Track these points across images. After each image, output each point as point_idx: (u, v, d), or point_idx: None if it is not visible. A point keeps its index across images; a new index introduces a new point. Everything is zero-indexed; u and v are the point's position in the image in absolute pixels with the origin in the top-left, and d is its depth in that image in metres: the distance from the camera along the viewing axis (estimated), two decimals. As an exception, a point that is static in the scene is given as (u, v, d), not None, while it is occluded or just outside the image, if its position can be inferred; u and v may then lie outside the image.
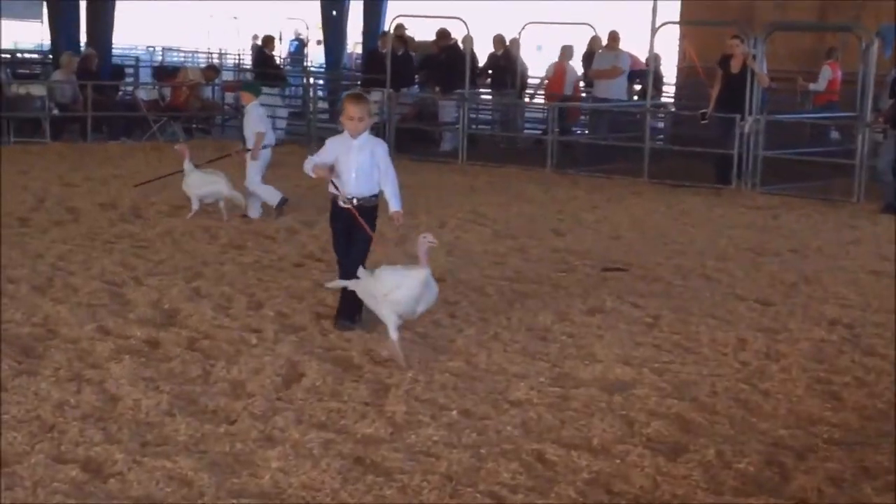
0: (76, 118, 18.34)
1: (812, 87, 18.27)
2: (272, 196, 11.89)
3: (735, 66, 15.45)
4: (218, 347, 6.94)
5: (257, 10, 34.12)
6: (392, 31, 19.75)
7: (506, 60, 21.13)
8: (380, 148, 7.63)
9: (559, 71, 19.87)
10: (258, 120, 11.97)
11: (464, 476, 5.12)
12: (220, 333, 7.24)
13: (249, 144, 11.92)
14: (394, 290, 6.90)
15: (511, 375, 6.68)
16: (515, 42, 20.88)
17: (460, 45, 19.62)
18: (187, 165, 11.56)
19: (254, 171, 11.85)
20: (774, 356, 7.24)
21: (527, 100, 21.75)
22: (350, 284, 7.35)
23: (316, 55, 31.91)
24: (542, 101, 20.79)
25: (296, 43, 32.01)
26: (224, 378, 6.35)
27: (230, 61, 31.95)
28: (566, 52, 19.89)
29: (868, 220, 13.22)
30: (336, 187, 7.53)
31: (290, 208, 12.32)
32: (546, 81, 20.54)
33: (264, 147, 11.87)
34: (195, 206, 11.52)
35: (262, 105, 19.65)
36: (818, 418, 6.11)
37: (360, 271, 7.26)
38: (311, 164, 7.53)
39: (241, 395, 6.11)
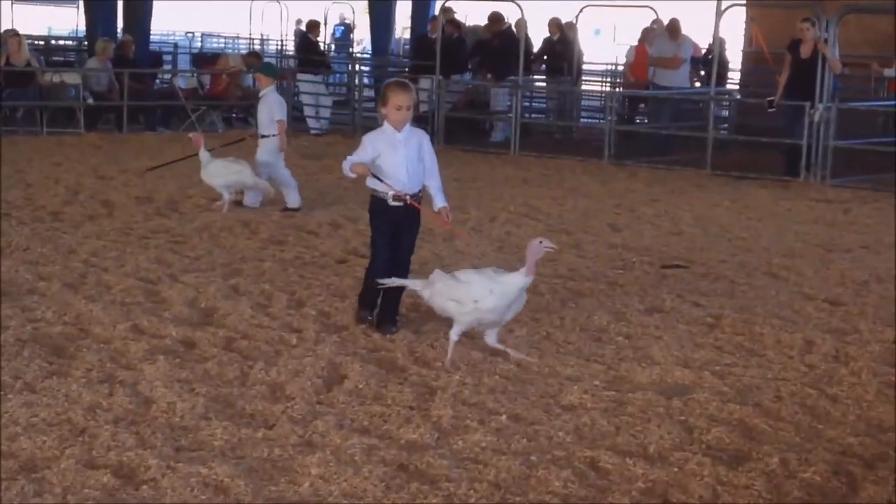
0: (112, 107, 18.53)
1: (886, 73, 18.06)
2: (270, 191, 11.94)
3: (805, 51, 15.31)
4: (256, 348, 6.99)
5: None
6: (442, 15, 19.75)
7: (562, 45, 21.09)
8: (425, 140, 7.58)
9: (641, 55, 19.64)
10: (279, 106, 11.99)
11: (513, 484, 5.12)
12: (259, 333, 7.29)
13: (264, 131, 11.92)
14: (486, 296, 6.75)
15: (564, 378, 6.67)
16: (572, 25, 20.81)
17: (514, 29, 19.60)
18: (203, 155, 11.64)
19: (275, 158, 11.89)
20: (843, 359, 7.17)
21: (603, 88, 21.63)
22: (413, 284, 7.27)
23: (364, 40, 32.01)
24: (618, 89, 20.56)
25: (341, 28, 32.12)
26: (262, 380, 6.39)
27: (272, 47, 32.08)
28: (647, 34, 19.60)
29: (950, 212, 13.06)
30: (383, 184, 7.39)
31: (333, 201, 12.38)
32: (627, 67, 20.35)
33: (275, 135, 11.89)
34: (226, 195, 11.61)
35: (307, 94, 20.08)
36: (889, 425, 6.05)
37: (436, 273, 7.09)
38: (349, 164, 7.33)
39: (280, 398, 6.14)
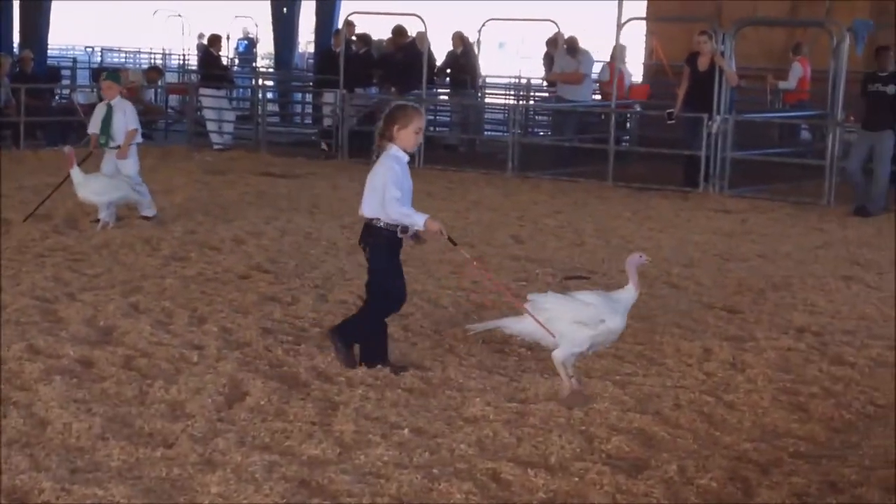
0: (8, 123, 18.18)
1: (782, 85, 18.45)
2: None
3: (703, 64, 15.57)
4: (156, 366, 6.90)
5: (203, 8, 34.07)
6: (345, 29, 19.74)
7: (465, 59, 21.18)
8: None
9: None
10: (133, 116, 11.86)
11: (415, 498, 5.12)
12: (159, 351, 7.20)
13: (121, 140, 11.70)
14: (613, 315, 6.48)
15: (467, 391, 6.68)
16: (461, 37, 20.90)
17: (417, 43, 19.65)
18: (77, 173, 11.24)
19: (133, 168, 11.78)
20: (740, 366, 7.30)
21: (507, 101, 21.69)
22: (504, 323, 6.88)
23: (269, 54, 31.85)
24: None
25: (245, 42, 31.94)
26: (162, 399, 6.31)
27: (174, 62, 31.80)
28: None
29: (838, 223, 13.37)
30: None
31: (235, 216, 12.29)
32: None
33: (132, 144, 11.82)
34: (108, 215, 11.38)
35: (211, 109, 19.92)
36: (784, 431, 6.17)
37: (548, 297, 6.76)
38: (408, 211, 6.80)
39: (179, 416, 6.07)
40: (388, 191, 6.76)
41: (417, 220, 6.80)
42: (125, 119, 11.72)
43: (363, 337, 7.05)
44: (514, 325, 6.86)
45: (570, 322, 6.53)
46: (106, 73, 12.96)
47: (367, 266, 7.08)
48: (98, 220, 11.45)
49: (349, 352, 7.03)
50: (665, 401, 6.55)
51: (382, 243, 6.94)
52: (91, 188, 11.33)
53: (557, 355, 6.58)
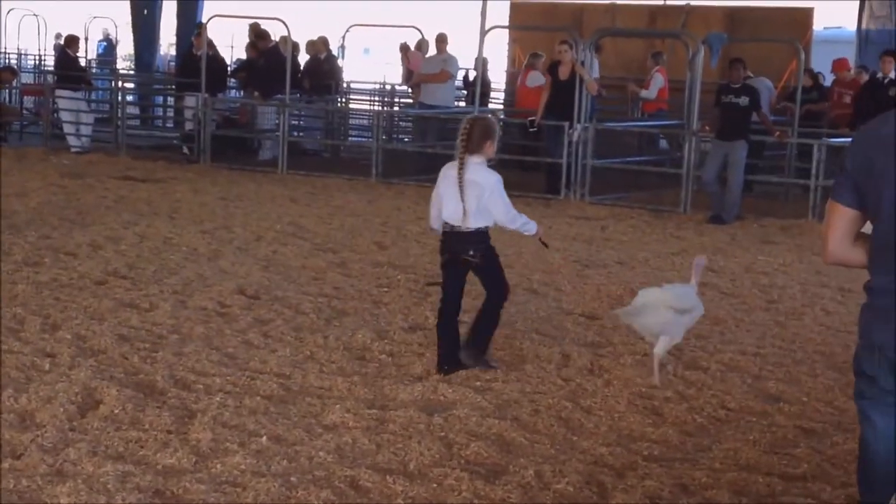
0: None
1: (643, 94, 18.79)
2: None
3: (564, 73, 15.77)
4: (6, 375, 6.70)
5: (60, 8, 33.25)
6: (206, 31, 19.48)
7: (328, 64, 21.12)
8: None
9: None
10: None
11: (272, 506, 5.08)
12: (9, 359, 6.99)
13: None
14: (699, 304, 7.25)
15: (326, 398, 6.66)
16: (323, 42, 20.87)
17: (280, 47, 19.50)
18: None
19: None
20: (598, 371, 7.41)
21: (371, 106, 21.66)
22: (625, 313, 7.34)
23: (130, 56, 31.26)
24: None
25: (104, 44, 31.31)
26: (11, 408, 6.13)
27: (30, 62, 31.02)
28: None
29: (694, 230, 13.67)
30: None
31: (93, 221, 12.04)
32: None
33: None
34: None
35: (68, 111, 19.46)
36: (639, 435, 6.27)
37: (662, 289, 7.38)
38: (526, 220, 7.45)
39: (29, 426, 5.91)
40: (505, 202, 7.25)
41: (532, 227, 7.40)
42: None
43: (490, 333, 7.47)
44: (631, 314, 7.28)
45: (673, 312, 7.09)
46: None
47: (481, 271, 7.47)
48: None
49: (484, 356, 7.40)
50: (524, 406, 6.61)
51: (490, 245, 7.38)
52: None
53: (660, 350, 7.12)
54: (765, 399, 7.00)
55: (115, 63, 30.57)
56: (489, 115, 7.75)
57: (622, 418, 6.52)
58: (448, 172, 7.29)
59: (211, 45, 19.94)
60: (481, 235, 7.28)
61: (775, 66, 19.10)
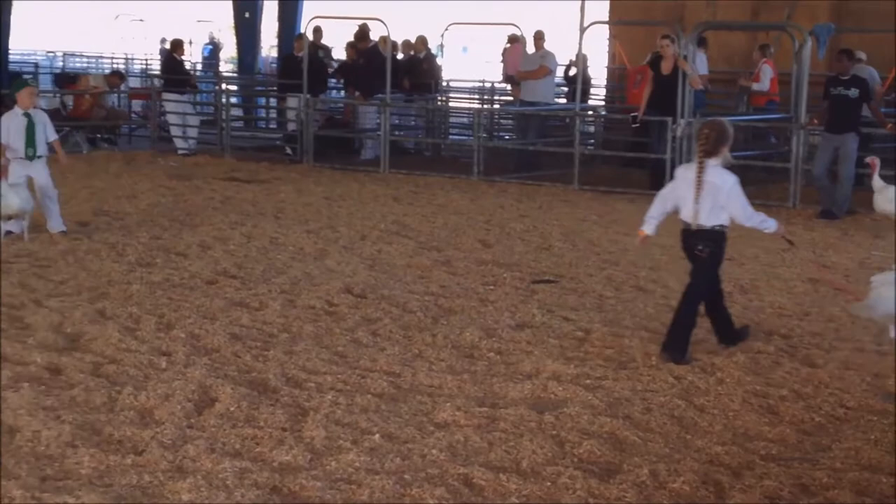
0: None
1: (756, 87, 18.46)
2: None
3: (666, 68, 15.63)
4: (125, 373, 6.85)
5: (165, 13, 33.89)
6: (306, 33, 19.67)
7: (428, 63, 21.19)
8: None
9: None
10: (51, 125, 11.55)
11: (387, 504, 5.11)
12: (127, 357, 7.14)
13: (42, 151, 11.22)
14: None
15: (437, 396, 6.68)
16: (423, 42, 20.92)
17: (380, 47, 19.62)
18: (6, 185, 10.75)
19: (49, 178, 11.28)
20: (710, 369, 7.31)
21: (471, 104, 21.70)
22: None
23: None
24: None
25: (209, 47, 31.80)
26: (131, 405, 6.26)
27: (137, 66, 31.62)
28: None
29: (804, 225, 13.44)
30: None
31: (201, 222, 12.22)
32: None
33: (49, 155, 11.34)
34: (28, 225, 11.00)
35: (174, 114, 19.80)
36: (755, 434, 6.19)
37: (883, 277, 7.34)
38: (762, 214, 7.76)
39: (149, 423, 6.03)
40: (742, 202, 7.59)
41: (771, 224, 7.75)
42: (45, 129, 11.33)
43: (687, 328, 7.64)
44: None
45: None
46: (22, 81, 12.49)
47: (699, 263, 7.74)
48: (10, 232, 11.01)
49: (686, 352, 7.53)
50: (635, 404, 6.56)
51: (723, 245, 7.74)
52: (23, 197, 10.87)
53: None
54: (885, 397, 6.85)
55: (219, 66, 31.01)
56: (724, 120, 7.94)
57: (737, 417, 6.44)
58: (685, 174, 7.70)
59: (322, 46, 20.16)
60: (714, 234, 7.62)
61: (884, 58, 18.68)
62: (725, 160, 7.57)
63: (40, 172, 11.22)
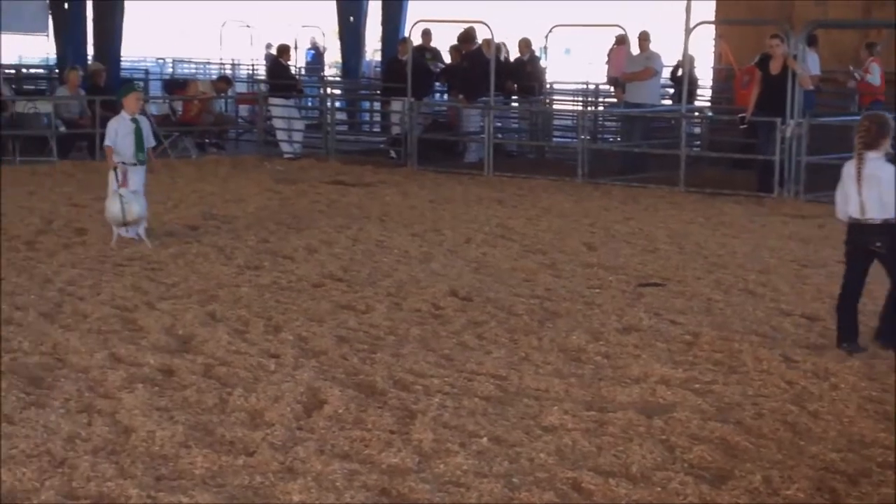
0: (84, 135, 18.44)
1: (869, 78, 18.06)
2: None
3: (775, 68, 15.39)
4: (235, 374, 6.95)
5: (271, 18, 34.33)
6: (410, 37, 19.76)
7: (532, 65, 21.16)
8: None
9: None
10: (150, 131, 11.66)
11: (496, 507, 5.11)
12: (237, 360, 7.25)
13: (142, 156, 11.28)
14: None
15: (544, 399, 6.66)
16: (526, 44, 20.89)
17: (484, 49, 19.64)
18: (127, 192, 10.92)
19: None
20: (823, 375, 7.19)
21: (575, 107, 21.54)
22: None
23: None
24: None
25: (312, 52, 32.12)
26: (242, 407, 6.35)
27: (243, 72, 32.08)
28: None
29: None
30: None
31: (308, 225, 12.36)
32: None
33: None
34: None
35: (281, 118, 20.04)
36: (871, 440, 6.07)
37: None
38: None
39: (259, 424, 6.11)
40: None
41: None
42: (147, 134, 11.43)
43: None
44: None
45: None
46: (129, 86, 12.58)
47: (887, 261, 7.74)
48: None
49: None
50: (747, 409, 6.47)
51: None
52: (142, 204, 11.09)
53: None
54: None
55: (323, 70, 31.31)
56: (884, 114, 7.96)
57: (852, 423, 6.31)
58: (848, 170, 7.71)
59: (430, 49, 20.23)
60: (888, 227, 7.56)
61: None
62: (886, 153, 7.56)
63: (136, 180, 11.26)
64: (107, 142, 11.26)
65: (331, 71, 32.44)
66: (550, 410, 6.39)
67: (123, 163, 11.15)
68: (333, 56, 30.46)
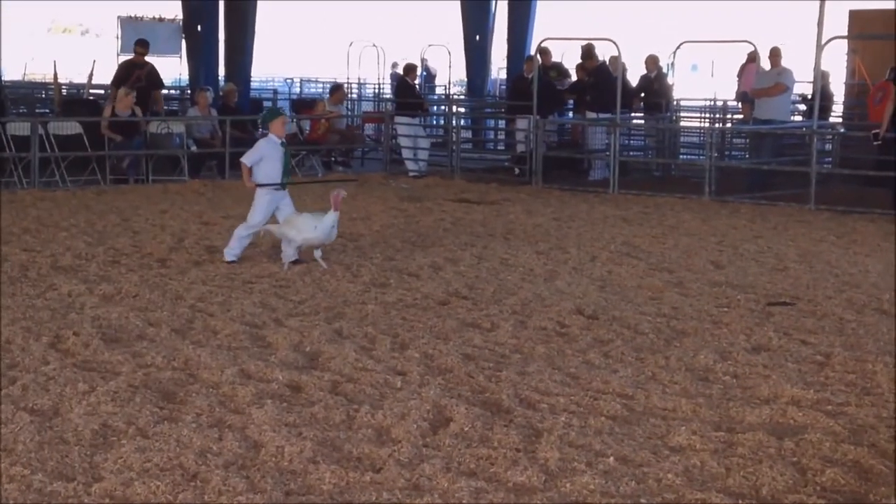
0: (214, 154, 18.85)
1: None
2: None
3: (909, 82, 15.05)
4: (362, 391, 7.03)
5: (398, 37, 34.69)
6: (536, 55, 19.78)
7: (658, 82, 21.02)
8: None
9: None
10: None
11: (622, 528, 5.08)
12: (364, 376, 7.32)
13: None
14: None
15: (671, 419, 6.60)
16: (654, 61, 20.76)
17: (610, 66, 19.59)
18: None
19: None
20: (961, 397, 6.99)
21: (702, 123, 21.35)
22: None
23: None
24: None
25: (423, 74, 32.36)
26: (369, 423, 6.42)
27: (370, 91, 32.46)
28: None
29: None
30: None
31: (433, 243, 12.43)
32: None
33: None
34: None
35: (406, 136, 20.23)
36: None
37: None
38: None
39: (386, 441, 6.17)
40: None
41: None
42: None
43: None
44: None
45: None
46: (276, 111, 12.68)
47: None
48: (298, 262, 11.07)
49: None
50: (881, 432, 6.32)
51: None
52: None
53: None
54: None
55: (436, 90, 31.49)
56: None
57: None
58: None
59: (556, 66, 20.23)
60: None
61: None
62: None
63: (288, 203, 11.41)
64: (247, 160, 11.31)
65: (455, 89, 32.63)
66: (678, 430, 6.33)
67: (274, 187, 11.22)
68: (459, 74, 30.63)
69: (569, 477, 5.64)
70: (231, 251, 11.30)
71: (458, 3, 27.31)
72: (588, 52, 20.07)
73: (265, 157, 11.35)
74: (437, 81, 33.37)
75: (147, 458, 5.77)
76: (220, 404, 6.70)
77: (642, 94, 21.20)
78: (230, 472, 5.60)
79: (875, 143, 15.54)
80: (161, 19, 26.63)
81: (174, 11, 25.01)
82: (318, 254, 11.08)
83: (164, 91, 21.53)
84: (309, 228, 10.96)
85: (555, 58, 22.08)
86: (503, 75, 30.14)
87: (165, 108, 21.47)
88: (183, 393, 6.92)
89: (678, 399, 6.95)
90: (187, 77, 23.45)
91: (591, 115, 19.34)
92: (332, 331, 8.49)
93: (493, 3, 27.65)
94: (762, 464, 5.81)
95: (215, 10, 21.74)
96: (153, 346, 7.99)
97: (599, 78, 19.34)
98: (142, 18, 26.63)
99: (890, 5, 21.44)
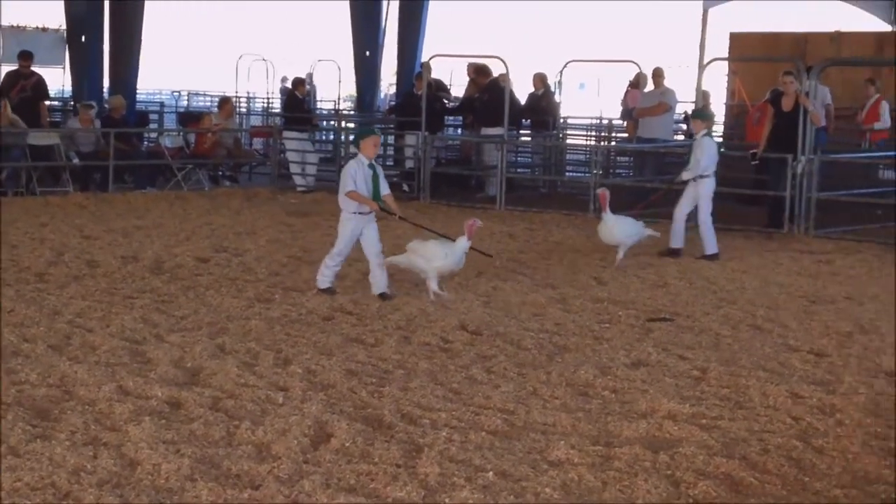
0: (98, 167, 18.55)
1: (877, 126, 18.14)
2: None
3: (787, 105, 15.44)
4: (243, 407, 6.97)
5: (287, 51, 34.56)
6: (426, 72, 19.86)
7: (546, 100, 21.25)
8: None
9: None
10: (384, 177, 10.85)
11: (499, 542, 5.11)
12: (246, 392, 7.27)
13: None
14: None
15: (550, 434, 6.67)
16: (541, 79, 21.00)
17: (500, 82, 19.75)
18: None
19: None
20: (829, 411, 7.19)
21: (588, 141, 21.62)
22: None
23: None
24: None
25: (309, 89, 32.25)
26: (249, 440, 6.37)
27: (258, 105, 32.26)
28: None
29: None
30: None
31: (318, 259, 12.36)
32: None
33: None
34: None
35: (294, 151, 20.12)
36: (875, 477, 6.06)
37: None
38: None
39: (266, 457, 6.12)
40: None
41: None
42: (383, 180, 10.78)
43: None
44: None
45: None
46: (368, 130, 11.69)
47: None
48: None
49: None
50: (752, 445, 6.47)
51: None
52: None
53: None
54: None
55: (338, 104, 31.46)
56: None
57: (857, 459, 6.31)
58: None
59: (437, 82, 20.31)
60: None
61: None
62: None
63: (374, 228, 10.79)
64: (350, 187, 10.53)
65: (345, 104, 32.60)
66: (557, 445, 6.40)
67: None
68: (349, 89, 30.62)
69: (448, 492, 5.66)
70: (324, 279, 10.74)
71: (349, 19, 27.32)
72: (481, 68, 20.22)
73: (358, 180, 10.56)
74: (327, 96, 33.26)
75: (18, 478, 5.64)
76: (96, 422, 6.59)
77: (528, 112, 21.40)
78: (104, 491, 5.51)
79: (753, 162, 15.90)
80: (44, 29, 26.15)
81: (58, 21, 24.57)
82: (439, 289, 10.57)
83: (48, 102, 21.08)
84: (439, 256, 10.50)
85: (443, 75, 22.19)
86: (393, 91, 30.21)
87: (49, 119, 21.06)
88: (58, 410, 6.79)
89: (558, 414, 7.03)
90: (70, 88, 23.04)
91: (486, 130, 19.49)
92: (215, 346, 8.41)
93: (384, 19, 27.72)
94: (637, 477, 5.90)
95: (100, 19, 21.31)
96: (28, 362, 7.82)
97: (491, 94, 19.49)
98: (25, 28, 26.13)
99: (769, 29, 22.02)
